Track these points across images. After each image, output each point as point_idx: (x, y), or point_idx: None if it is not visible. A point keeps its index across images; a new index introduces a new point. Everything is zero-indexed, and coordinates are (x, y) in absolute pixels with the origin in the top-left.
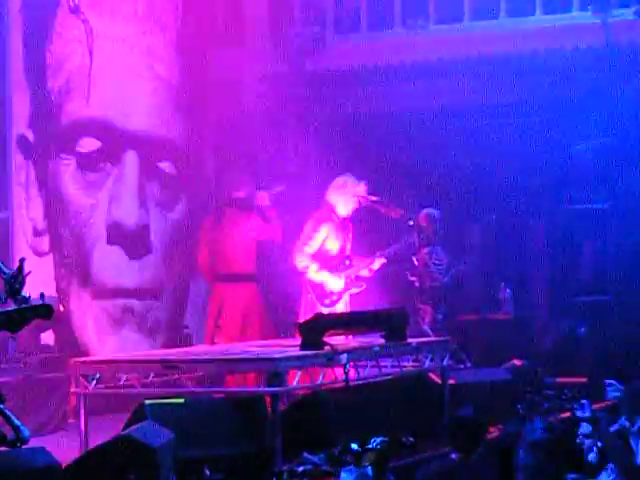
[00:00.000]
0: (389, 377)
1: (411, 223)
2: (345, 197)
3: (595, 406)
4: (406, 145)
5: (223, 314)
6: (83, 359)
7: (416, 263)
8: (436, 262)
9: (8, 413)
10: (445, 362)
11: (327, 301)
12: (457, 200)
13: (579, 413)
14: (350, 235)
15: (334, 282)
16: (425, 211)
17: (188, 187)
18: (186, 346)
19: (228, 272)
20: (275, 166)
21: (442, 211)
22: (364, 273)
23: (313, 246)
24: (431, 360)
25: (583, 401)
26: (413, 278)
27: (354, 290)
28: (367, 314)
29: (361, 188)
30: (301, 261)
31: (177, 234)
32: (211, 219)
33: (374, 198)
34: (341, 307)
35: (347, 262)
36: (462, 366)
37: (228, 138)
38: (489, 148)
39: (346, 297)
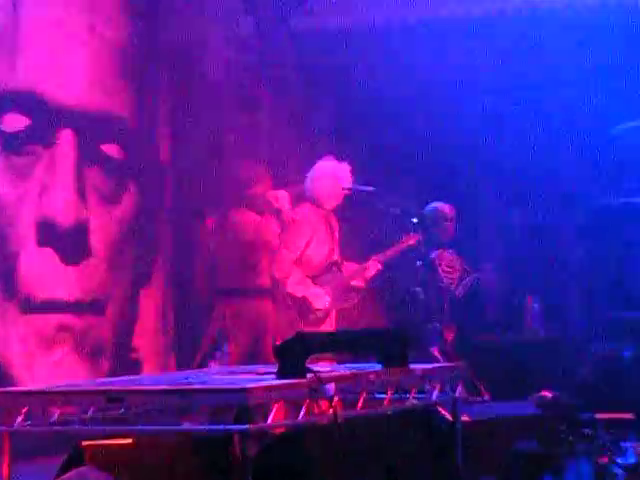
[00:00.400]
0: (387, 412)
1: (415, 220)
2: (331, 186)
3: None
4: (409, 123)
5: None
6: (7, 389)
7: (422, 270)
8: (446, 269)
9: None
10: (457, 394)
11: (311, 317)
12: (473, 192)
13: (620, 460)
14: (336, 235)
15: (318, 295)
16: (433, 205)
17: (138, 175)
18: (135, 373)
19: (235, 286)
20: (246, 148)
21: (454, 206)
22: (356, 283)
23: (293, 251)
24: (440, 391)
25: (625, 444)
26: (418, 289)
27: (344, 305)
28: (360, 334)
29: (346, 170)
30: (278, 270)
31: (124, 233)
32: (214, 221)
33: (369, 189)
34: (328, 326)
35: (335, 269)
36: (478, 399)
37: (187, 114)
38: (512, 128)
39: (334, 313)
